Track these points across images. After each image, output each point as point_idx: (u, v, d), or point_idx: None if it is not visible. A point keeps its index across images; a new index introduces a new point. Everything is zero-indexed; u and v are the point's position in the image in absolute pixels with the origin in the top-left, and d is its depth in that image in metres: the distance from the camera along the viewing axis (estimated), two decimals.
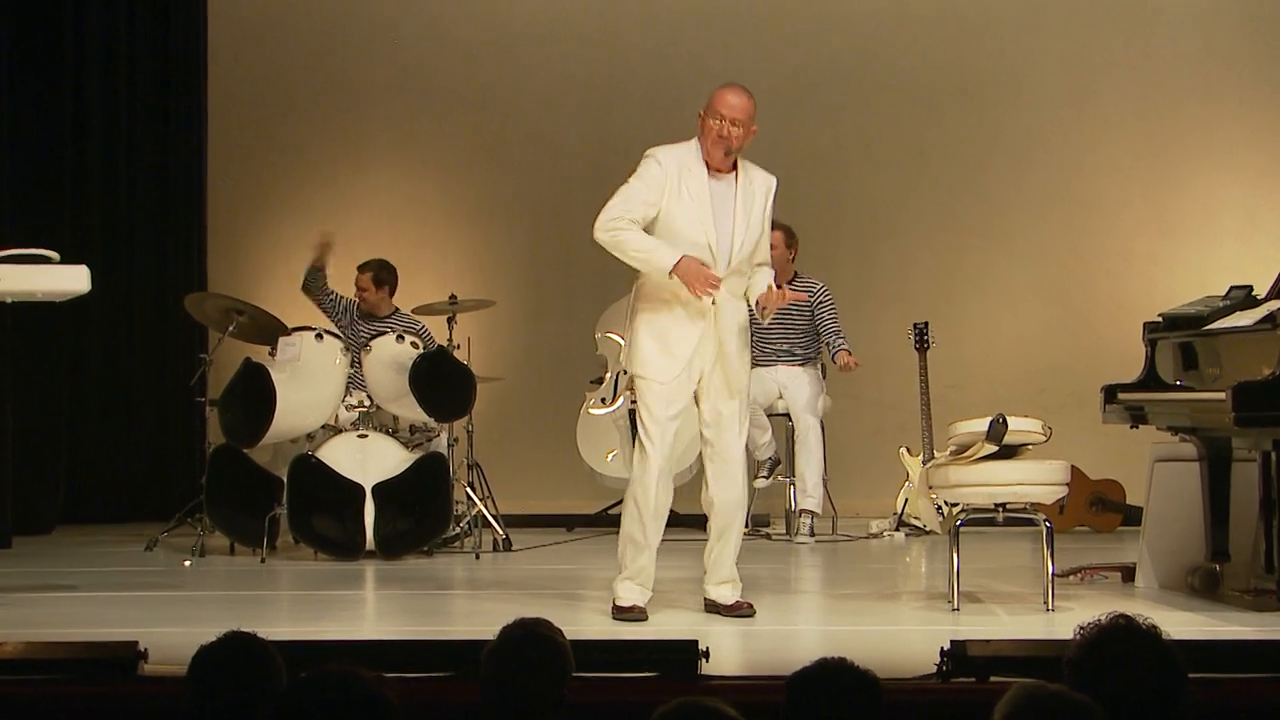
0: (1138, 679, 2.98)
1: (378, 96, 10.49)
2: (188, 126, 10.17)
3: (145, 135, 10.10)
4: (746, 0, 10.44)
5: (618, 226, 5.79)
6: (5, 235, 7.87)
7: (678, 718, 2.81)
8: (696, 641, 4.51)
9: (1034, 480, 6.09)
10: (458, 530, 8.25)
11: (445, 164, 10.53)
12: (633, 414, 6.53)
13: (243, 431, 7.98)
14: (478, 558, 7.97)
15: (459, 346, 8.27)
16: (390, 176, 10.50)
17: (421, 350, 8.10)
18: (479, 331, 9.13)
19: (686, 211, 5.81)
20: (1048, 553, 6.01)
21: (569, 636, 3.40)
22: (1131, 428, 6.59)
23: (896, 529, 8.88)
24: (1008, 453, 6.14)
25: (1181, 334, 6.35)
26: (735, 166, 5.90)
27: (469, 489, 8.37)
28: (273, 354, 8.06)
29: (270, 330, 8.24)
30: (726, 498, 5.95)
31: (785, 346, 8.91)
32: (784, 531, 8.96)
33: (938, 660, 4.40)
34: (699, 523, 6.08)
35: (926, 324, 9.08)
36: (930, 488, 6.39)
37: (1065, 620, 5.55)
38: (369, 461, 7.99)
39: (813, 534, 8.70)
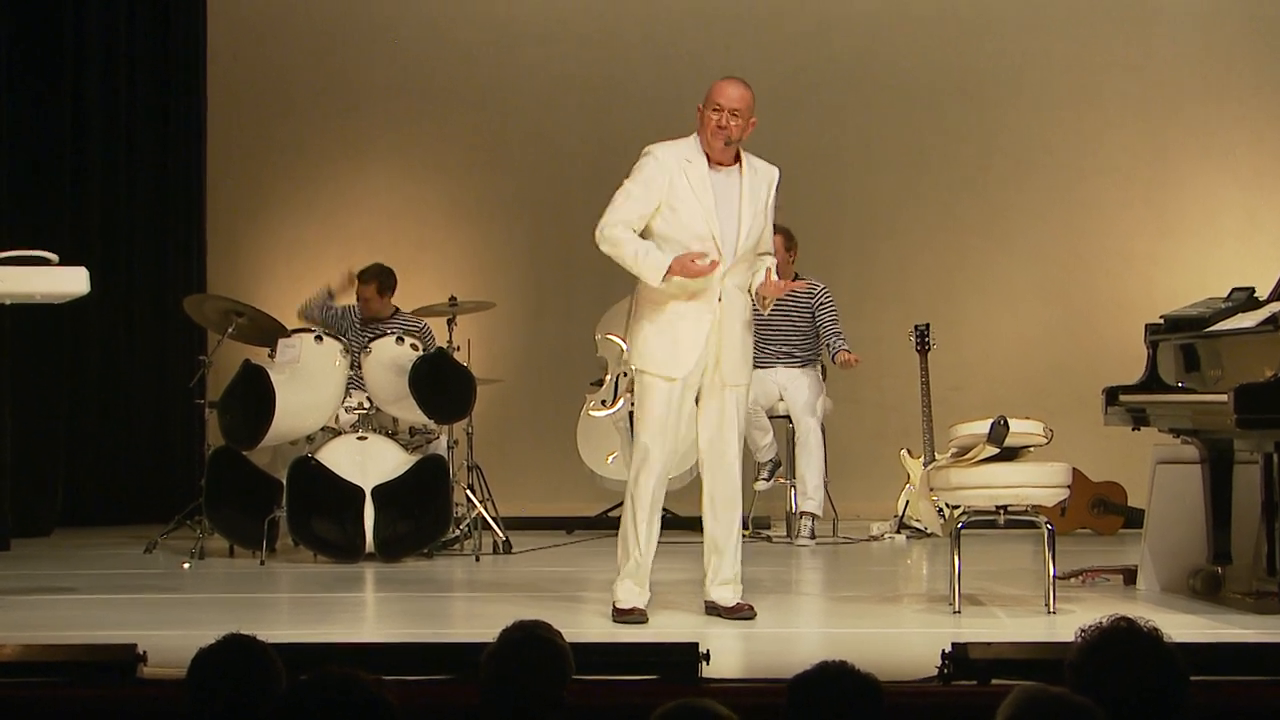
0: (1139, 682, 2.97)
1: (378, 97, 10.49)
2: (188, 126, 10.16)
3: (145, 135, 10.09)
4: (746, 0, 10.44)
5: (612, 236, 5.84)
6: (5, 235, 7.88)
7: (674, 719, 2.80)
8: (697, 644, 4.49)
9: (1035, 482, 6.08)
10: (458, 532, 8.24)
11: (445, 164, 10.52)
12: (633, 415, 6.51)
13: (242, 433, 7.97)
14: (478, 560, 7.96)
15: (459, 348, 8.26)
16: (390, 177, 10.50)
17: (421, 352, 8.09)
18: (479, 333, 9.12)
19: (688, 204, 5.82)
20: (1049, 555, 6.00)
21: (569, 639, 3.39)
22: (1133, 430, 6.58)
23: (897, 531, 8.87)
24: (1009, 455, 6.13)
25: (1183, 336, 6.34)
26: (739, 159, 5.91)
27: (469, 491, 8.36)
28: (272, 356, 8.04)
29: (270, 332, 8.23)
30: (725, 495, 5.94)
31: (785, 348, 8.90)
32: (784, 534, 8.95)
33: (939, 663, 4.39)
34: (699, 524, 6.06)
35: (927, 325, 9.07)
36: (931, 490, 6.38)
37: (1067, 623, 5.53)
38: (369, 464, 7.98)
39: (813, 536, 8.69)
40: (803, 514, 8.74)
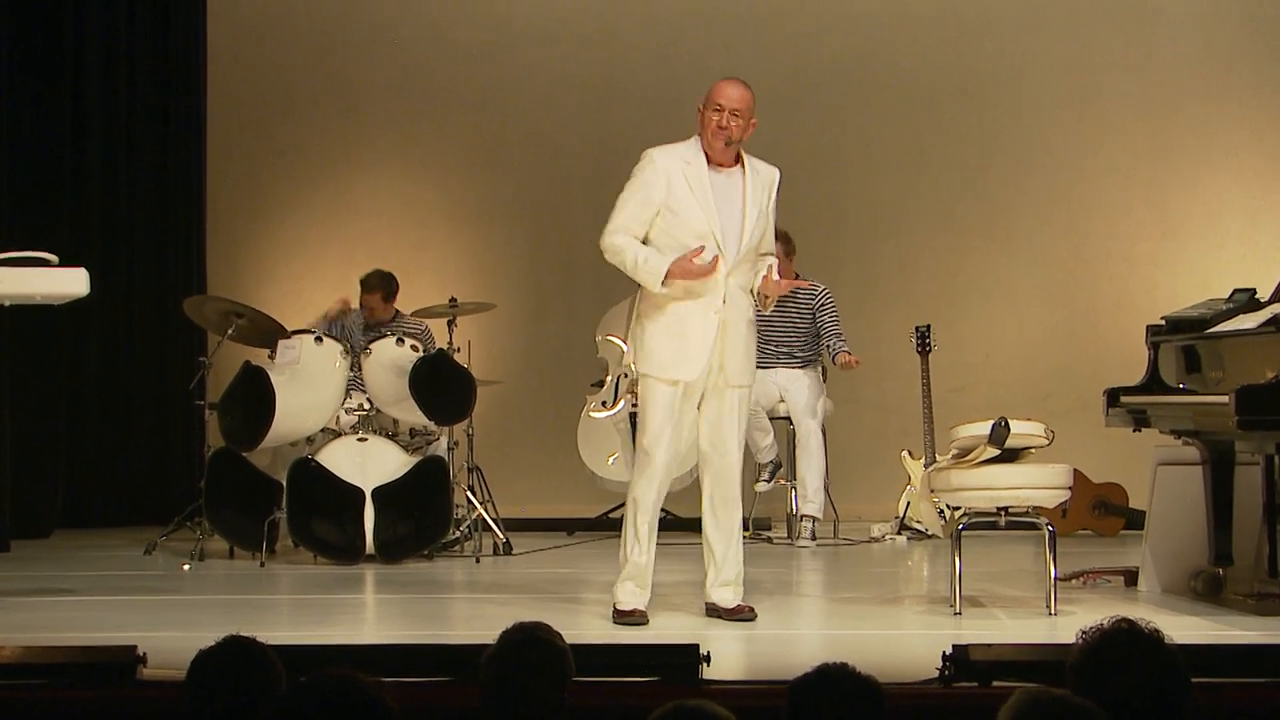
0: (1140, 683, 2.97)
1: (378, 97, 10.48)
2: (188, 126, 10.15)
3: (145, 135, 10.08)
4: (746, 0, 10.43)
5: (614, 245, 5.87)
6: (4, 236, 7.86)
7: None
8: (697, 646, 4.49)
9: (1036, 484, 6.08)
10: (458, 534, 8.24)
11: (445, 165, 10.52)
12: (633, 416, 6.52)
13: (242, 435, 7.97)
14: (478, 561, 7.96)
15: (459, 349, 8.25)
16: (390, 178, 10.49)
17: (421, 353, 8.08)
18: (479, 334, 9.12)
19: (688, 205, 5.81)
20: (1050, 557, 6.00)
21: (569, 640, 3.39)
22: (1134, 431, 6.57)
23: (898, 533, 8.87)
24: (1010, 456, 6.13)
25: (1184, 337, 6.34)
26: (740, 160, 5.91)
27: (469, 492, 8.36)
28: (272, 357, 8.04)
29: (270, 333, 8.22)
30: (725, 496, 5.93)
31: (786, 349, 8.89)
32: (785, 535, 8.94)
33: (940, 665, 4.38)
34: (699, 525, 6.05)
35: (928, 327, 9.06)
36: (932, 491, 6.38)
37: (1068, 624, 5.53)
38: (369, 465, 7.97)
39: (814, 538, 8.68)
40: (803, 515, 8.74)
